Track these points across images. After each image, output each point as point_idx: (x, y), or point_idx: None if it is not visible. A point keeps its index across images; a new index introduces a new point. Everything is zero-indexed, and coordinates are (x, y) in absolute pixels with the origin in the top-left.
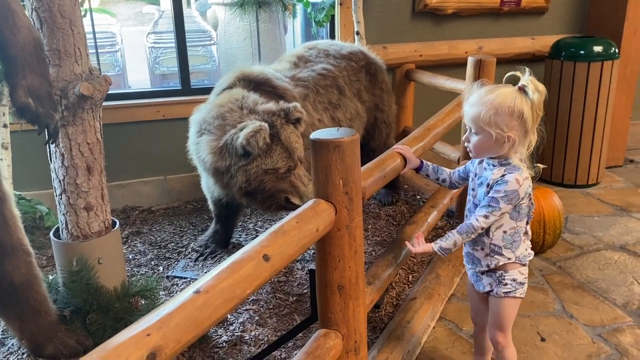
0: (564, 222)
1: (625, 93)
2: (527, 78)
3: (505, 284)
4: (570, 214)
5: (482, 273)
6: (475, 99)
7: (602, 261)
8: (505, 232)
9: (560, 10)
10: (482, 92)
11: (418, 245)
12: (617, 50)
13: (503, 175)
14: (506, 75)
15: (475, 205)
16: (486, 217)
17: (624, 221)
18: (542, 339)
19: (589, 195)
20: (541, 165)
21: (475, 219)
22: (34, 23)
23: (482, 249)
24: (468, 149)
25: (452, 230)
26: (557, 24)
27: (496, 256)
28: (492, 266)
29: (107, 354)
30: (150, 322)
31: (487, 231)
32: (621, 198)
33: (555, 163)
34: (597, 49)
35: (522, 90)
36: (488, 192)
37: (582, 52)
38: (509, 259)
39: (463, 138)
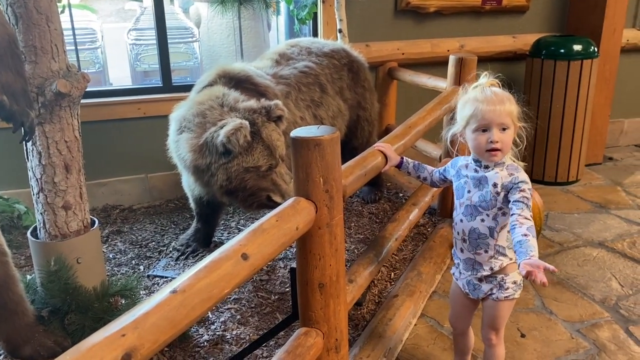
0: (544, 219)
1: (604, 91)
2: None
3: (507, 288)
4: (551, 211)
5: (481, 280)
6: (502, 95)
7: (581, 258)
8: (508, 231)
9: (541, 9)
10: (499, 90)
11: (539, 275)
12: (596, 49)
13: (512, 174)
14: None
15: (475, 207)
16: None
17: (602, 218)
18: (522, 335)
19: (569, 193)
20: (522, 163)
21: (528, 219)
22: (8, 19)
23: (486, 251)
24: (493, 146)
25: (525, 239)
26: (538, 23)
27: (500, 257)
28: (495, 268)
29: (81, 355)
30: (126, 322)
31: (492, 232)
32: (600, 195)
33: (536, 161)
34: (577, 47)
35: None
36: (499, 194)
37: (562, 50)
38: (511, 259)
39: (446, 134)
